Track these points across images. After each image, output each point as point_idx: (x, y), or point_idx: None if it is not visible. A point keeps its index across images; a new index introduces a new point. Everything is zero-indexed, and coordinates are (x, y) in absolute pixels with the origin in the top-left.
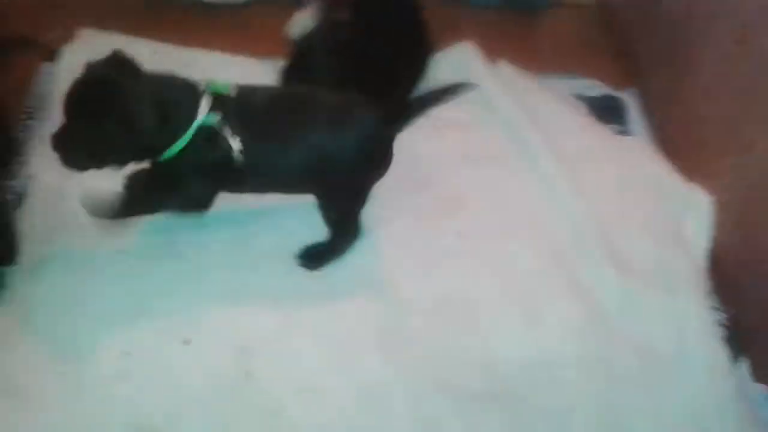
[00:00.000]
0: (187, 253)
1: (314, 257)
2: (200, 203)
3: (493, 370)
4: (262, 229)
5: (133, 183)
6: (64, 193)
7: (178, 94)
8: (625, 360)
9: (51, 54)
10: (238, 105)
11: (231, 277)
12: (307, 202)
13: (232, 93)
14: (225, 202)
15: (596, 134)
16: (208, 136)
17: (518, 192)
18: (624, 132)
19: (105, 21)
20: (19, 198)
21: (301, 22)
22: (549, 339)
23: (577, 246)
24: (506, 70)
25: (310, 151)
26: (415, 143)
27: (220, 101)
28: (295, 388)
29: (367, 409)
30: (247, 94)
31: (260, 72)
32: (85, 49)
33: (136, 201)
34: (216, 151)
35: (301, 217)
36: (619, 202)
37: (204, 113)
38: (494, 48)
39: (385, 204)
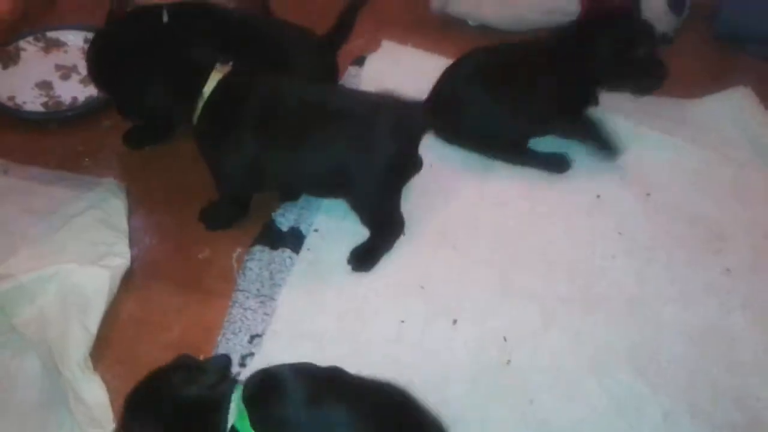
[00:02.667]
0: (461, 245)
1: (362, 258)
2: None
3: (746, 404)
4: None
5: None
6: None
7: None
8: None
9: (359, 59)
10: (264, 104)
11: (497, 272)
12: None
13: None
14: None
15: None
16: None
17: None
18: None
19: (407, 35)
20: None
21: None
22: None
23: None
24: None
25: (329, 159)
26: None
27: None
28: (550, 382)
29: (618, 415)
30: (275, 90)
31: None
32: (386, 58)
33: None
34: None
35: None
36: None
37: None
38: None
39: (659, 235)
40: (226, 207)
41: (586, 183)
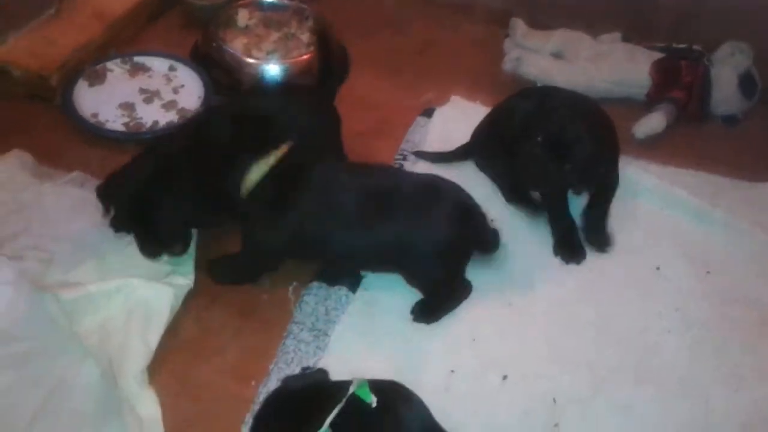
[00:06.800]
0: (517, 302)
1: (426, 313)
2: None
3: None
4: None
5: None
6: None
7: None
8: None
9: (428, 110)
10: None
11: (550, 333)
12: None
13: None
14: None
15: None
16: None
17: None
18: None
19: (477, 92)
20: None
21: (651, 123)
22: None
23: None
24: None
25: (384, 242)
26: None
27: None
28: None
29: None
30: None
31: None
32: (454, 112)
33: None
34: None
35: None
36: None
37: None
38: None
39: (715, 315)
40: (247, 264)
41: (647, 254)
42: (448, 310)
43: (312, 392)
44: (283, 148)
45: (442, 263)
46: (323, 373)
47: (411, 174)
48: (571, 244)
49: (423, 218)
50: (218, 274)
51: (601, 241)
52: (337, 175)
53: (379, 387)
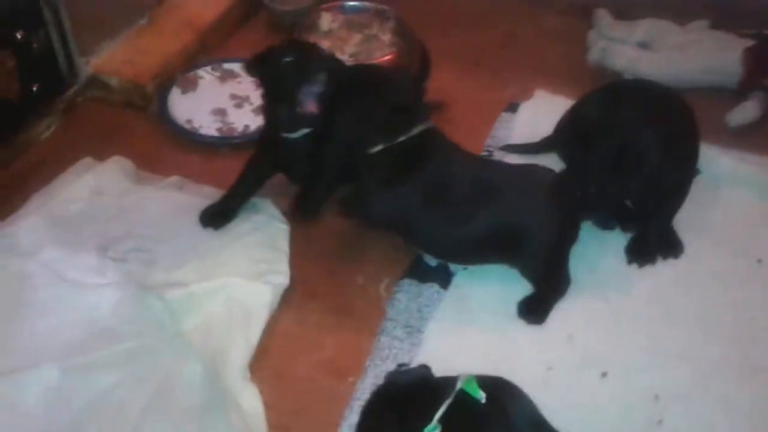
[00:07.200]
0: (610, 296)
1: (533, 310)
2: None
3: None
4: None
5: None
6: None
7: None
8: None
9: (512, 105)
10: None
11: (649, 329)
12: None
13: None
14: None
15: None
16: None
17: None
18: None
19: (561, 85)
20: None
21: (745, 112)
22: None
23: None
24: None
25: (489, 226)
26: None
27: None
28: None
29: None
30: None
31: None
32: (539, 107)
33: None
34: None
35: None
36: None
37: None
38: None
39: None
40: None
41: (748, 246)
42: (554, 302)
43: (418, 387)
44: (421, 127)
45: (555, 251)
46: (426, 368)
47: (513, 165)
48: (642, 249)
49: (534, 206)
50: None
51: (673, 247)
52: (452, 161)
53: (487, 383)
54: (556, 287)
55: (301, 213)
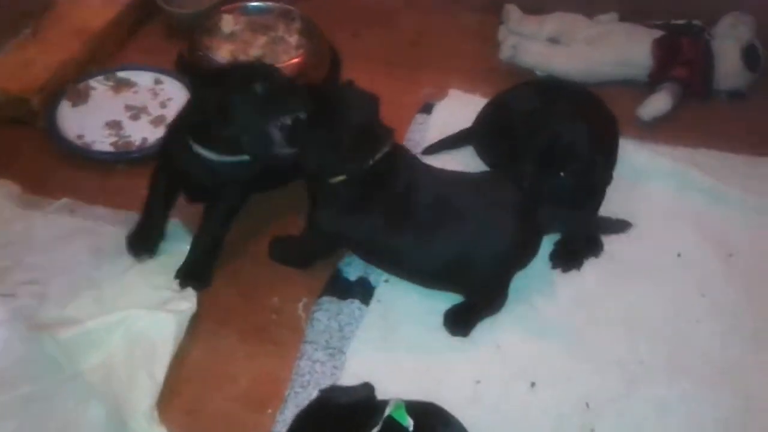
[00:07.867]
0: (537, 301)
1: (460, 322)
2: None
3: None
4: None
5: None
6: None
7: None
8: None
9: (427, 106)
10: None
11: (576, 333)
12: None
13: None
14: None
15: None
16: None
17: None
18: None
19: (475, 84)
20: None
21: (657, 104)
22: None
23: None
24: None
25: (453, 249)
26: None
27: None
28: None
29: None
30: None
31: None
32: (454, 106)
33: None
34: None
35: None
36: None
37: None
38: None
39: (743, 299)
40: (310, 245)
41: (667, 240)
42: (485, 316)
43: (351, 410)
44: (384, 149)
45: (506, 275)
46: (369, 388)
47: (475, 177)
48: (567, 253)
49: (489, 225)
50: (275, 252)
51: (593, 247)
52: (418, 178)
53: (417, 409)
54: (492, 304)
55: (194, 281)
